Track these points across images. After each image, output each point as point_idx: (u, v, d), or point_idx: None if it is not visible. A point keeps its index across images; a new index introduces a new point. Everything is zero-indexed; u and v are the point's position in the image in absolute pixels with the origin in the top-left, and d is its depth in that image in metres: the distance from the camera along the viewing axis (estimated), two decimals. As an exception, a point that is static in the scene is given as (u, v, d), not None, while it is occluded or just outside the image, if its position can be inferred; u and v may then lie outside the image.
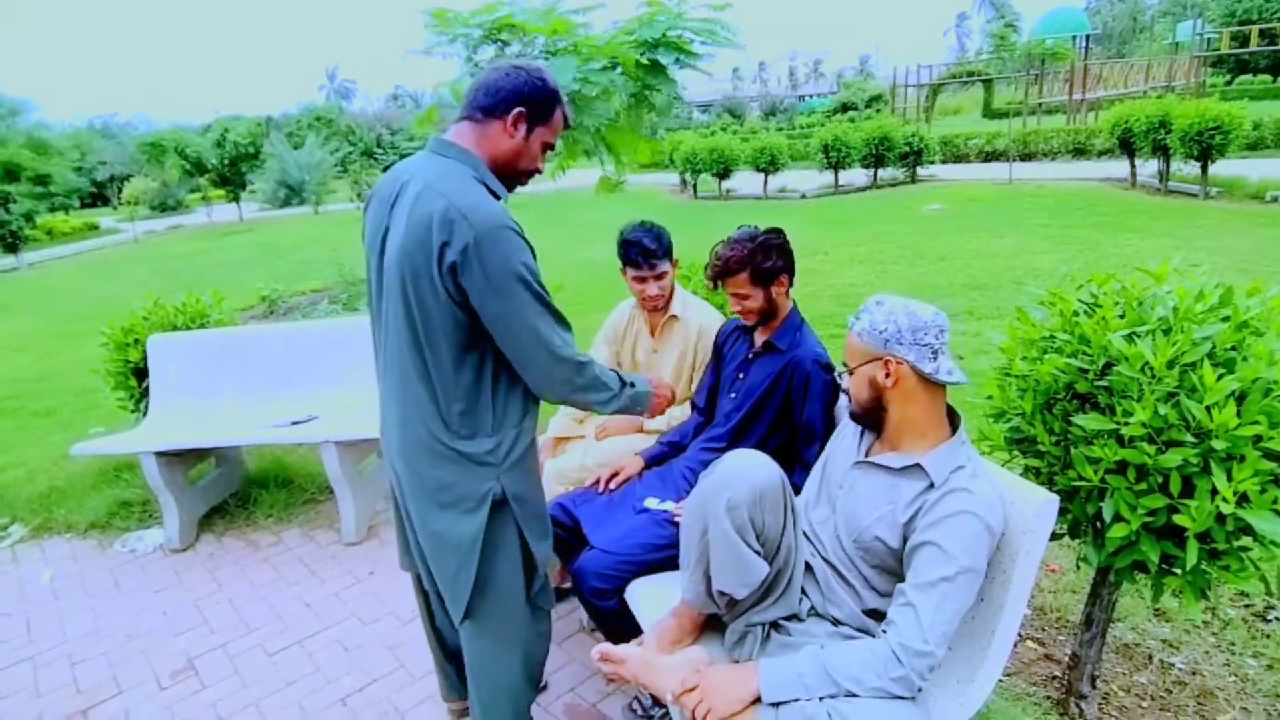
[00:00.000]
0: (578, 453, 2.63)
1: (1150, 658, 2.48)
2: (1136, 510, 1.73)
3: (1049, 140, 17.66)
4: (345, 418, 3.47)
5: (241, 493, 3.89)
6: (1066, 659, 2.37)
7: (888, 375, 1.55)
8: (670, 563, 2.04)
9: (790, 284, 2.19)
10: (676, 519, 2.09)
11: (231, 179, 22.78)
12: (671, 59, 4.40)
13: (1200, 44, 25.66)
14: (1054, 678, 2.39)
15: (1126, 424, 1.73)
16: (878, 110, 31.53)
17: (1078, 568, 2.76)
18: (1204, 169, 10.85)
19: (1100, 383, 1.88)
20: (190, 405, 3.74)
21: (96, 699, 2.55)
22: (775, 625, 1.59)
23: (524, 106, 1.63)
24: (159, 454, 3.32)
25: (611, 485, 2.31)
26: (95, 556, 3.50)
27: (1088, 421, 1.80)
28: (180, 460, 3.48)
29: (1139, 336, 1.83)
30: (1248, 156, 13.25)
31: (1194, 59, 24.74)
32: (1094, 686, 2.27)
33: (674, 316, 2.65)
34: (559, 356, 1.60)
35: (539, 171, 1.75)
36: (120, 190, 28.56)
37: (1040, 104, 23.34)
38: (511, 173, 1.70)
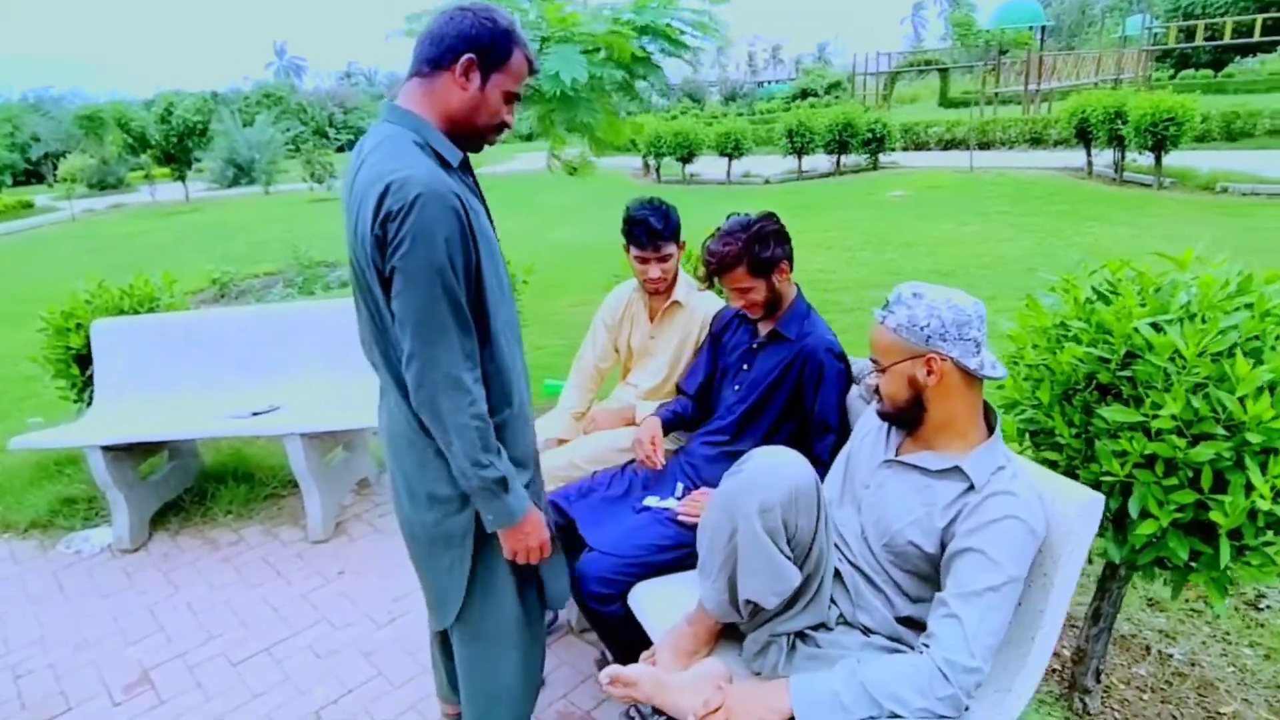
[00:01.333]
0: (567, 450, 2.48)
1: (1148, 649, 2.45)
2: (1165, 506, 1.67)
3: (1007, 129, 17.92)
4: (310, 408, 3.27)
5: (197, 488, 3.65)
6: (1069, 653, 2.32)
7: (930, 373, 1.44)
8: (675, 564, 1.92)
9: (791, 269, 2.08)
10: (680, 517, 1.98)
11: (177, 156, 21.79)
12: (658, 47, 4.26)
13: (1148, 38, 26.31)
14: (1054, 671, 2.35)
15: (1156, 416, 1.66)
16: (836, 97, 31.68)
17: (1090, 561, 2.73)
18: (1158, 159, 11.09)
19: (1122, 373, 1.82)
20: (139, 395, 3.49)
21: (43, 715, 2.34)
22: (801, 635, 1.48)
23: (473, 53, 1.44)
24: (106, 448, 3.09)
25: (659, 459, 2.12)
26: (37, 558, 3.25)
27: (1114, 414, 1.73)
28: (129, 454, 3.24)
29: (1166, 325, 1.77)
30: (1196, 148, 13.60)
31: (1142, 52, 25.36)
32: (1098, 681, 2.23)
33: (676, 303, 2.52)
34: (435, 359, 1.38)
35: (507, 126, 1.55)
36: (56, 167, 27.21)
37: (997, 93, 23.68)
38: (472, 130, 1.50)
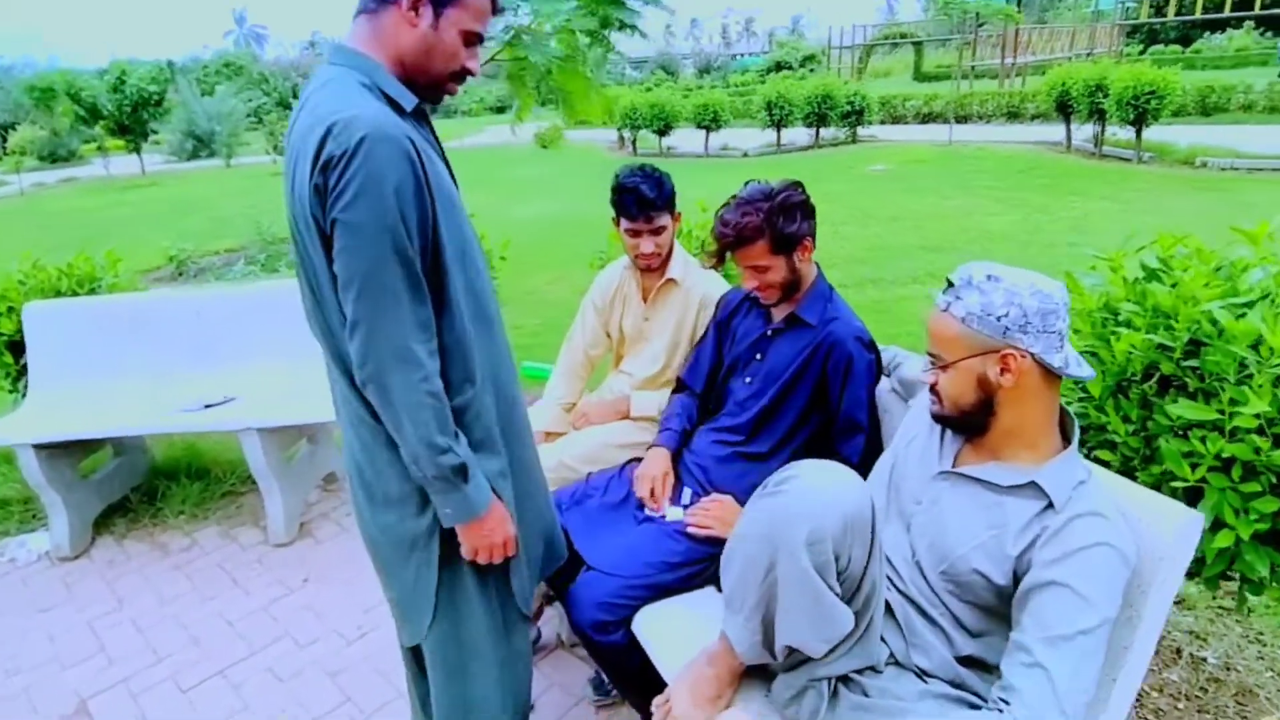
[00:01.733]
0: (556, 448, 2.23)
1: (1179, 652, 2.29)
2: (1244, 515, 1.48)
3: (984, 103, 17.80)
4: (268, 399, 2.98)
5: (146, 485, 3.35)
6: (1103, 662, 2.15)
7: (1004, 371, 1.21)
8: (684, 583, 1.70)
9: (814, 247, 1.84)
10: (690, 529, 1.75)
11: (132, 127, 20.83)
12: None
13: (1121, 13, 26.31)
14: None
15: (1236, 413, 1.46)
16: (811, 70, 31.37)
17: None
18: (1138, 133, 11.01)
19: (1186, 363, 1.62)
20: (80, 386, 3.17)
21: (-36, 754, 2.08)
22: (845, 679, 1.26)
23: None
24: (39, 446, 2.78)
25: (662, 504, 1.87)
26: (-35, 567, 2.95)
27: (1185, 410, 1.52)
28: (66, 452, 2.93)
29: (1239, 309, 1.57)
30: (1172, 123, 13.58)
31: (1116, 26, 25.35)
32: (1135, 692, 2.06)
33: (671, 280, 2.27)
34: (382, 327, 1.20)
35: (469, 72, 1.34)
36: (5, 139, 26.00)
37: (973, 67, 23.53)
38: (427, 76, 1.32)
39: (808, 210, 1.77)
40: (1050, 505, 1.18)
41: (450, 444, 1.27)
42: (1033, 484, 1.20)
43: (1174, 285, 1.77)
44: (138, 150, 20.84)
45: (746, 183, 1.85)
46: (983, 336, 1.21)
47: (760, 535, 1.16)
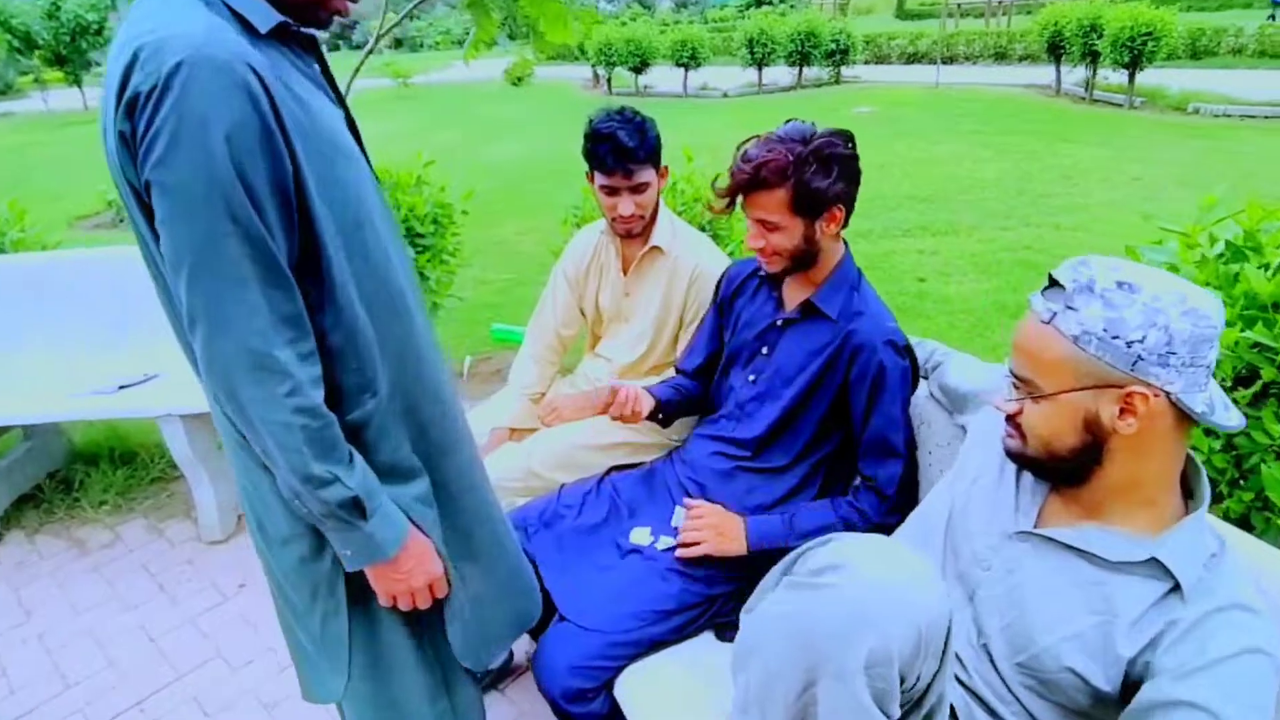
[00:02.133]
0: (522, 451, 1.91)
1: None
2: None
3: (971, 43, 17.27)
4: (195, 377, 2.61)
5: (63, 473, 2.99)
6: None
7: (1125, 414, 0.90)
8: (679, 632, 1.41)
9: (845, 220, 1.51)
10: (680, 553, 1.44)
11: (70, 58, 19.53)
12: None
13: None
14: None
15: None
16: (792, 6, 30.34)
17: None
18: (1131, 77, 10.66)
19: (1291, 368, 1.33)
20: (-23, 360, 2.78)
21: None
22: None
23: None
24: (-75, 435, 2.42)
25: (631, 409, 1.60)
26: None
27: (1298, 431, 1.24)
28: (-38, 440, 2.57)
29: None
30: (1164, 66, 13.24)
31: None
32: None
33: (656, 248, 1.93)
34: (226, 323, 0.90)
35: None
36: (-66, 69, 24.32)
37: (959, 5, 22.83)
38: None
39: (848, 169, 1.43)
40: (1176, 588, 0.89)
41: (335, 473, 0.98)
42: (1153, 560, 0.91)
43: (1265, 267, 1.48)
44: (78, 83, 19.60)
45: (788, 121, 1.51)
46: (1102, 366, 0.89)
47: (793, 644, 0.84)
